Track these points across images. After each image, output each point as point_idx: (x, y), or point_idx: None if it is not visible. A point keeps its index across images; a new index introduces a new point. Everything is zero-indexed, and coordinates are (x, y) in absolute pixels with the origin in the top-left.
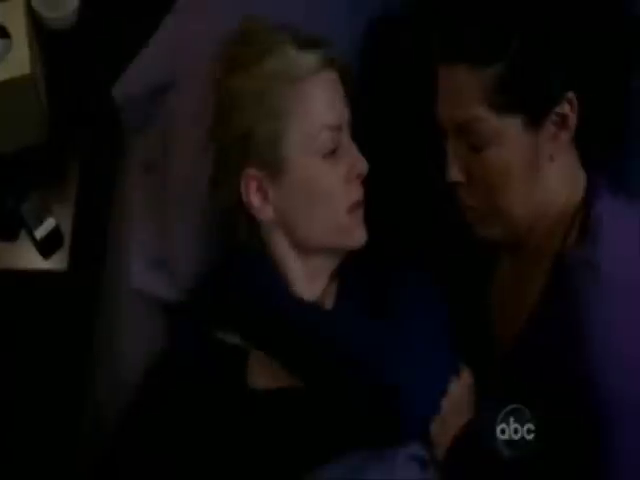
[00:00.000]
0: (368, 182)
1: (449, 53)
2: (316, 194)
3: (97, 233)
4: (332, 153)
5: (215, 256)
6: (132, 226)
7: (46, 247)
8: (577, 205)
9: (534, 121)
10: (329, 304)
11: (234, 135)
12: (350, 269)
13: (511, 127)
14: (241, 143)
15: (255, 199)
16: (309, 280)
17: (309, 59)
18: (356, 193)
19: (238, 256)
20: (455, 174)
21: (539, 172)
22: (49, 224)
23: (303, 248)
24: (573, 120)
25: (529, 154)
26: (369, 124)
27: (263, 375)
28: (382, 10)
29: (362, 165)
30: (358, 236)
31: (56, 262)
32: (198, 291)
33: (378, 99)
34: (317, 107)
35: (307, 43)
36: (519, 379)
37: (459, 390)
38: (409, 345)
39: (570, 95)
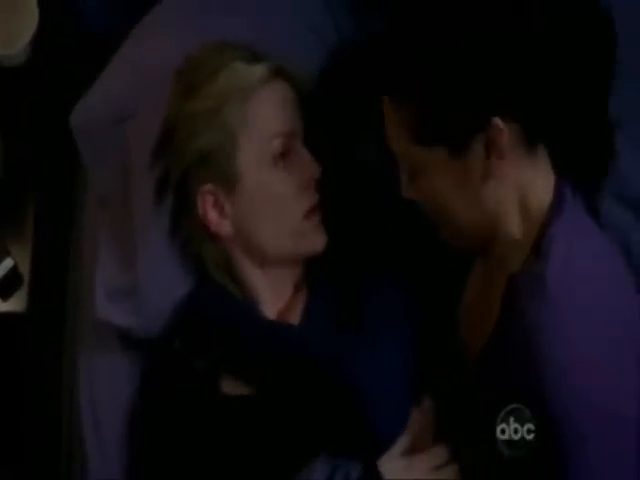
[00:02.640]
0: (335, 191)
1: (378, 87)
2: (271, 202)
3: (56, 272)
4: (283, 158)
5: (179, 284)
6: (95, 257)
7: (4, 288)
8: (539, 221)
9: (458, 150)
10: (296, 315)
11: (191, 159)
12: (318, 280)
13: (437, 157)
14: (199, 165)
15: (213, 214)
16: (273, 293)
17: (258, 71)
18: (311, 198)
19: (204, 286)
20: (405, 192)
21: (474, 191)
22: (7, 264)
23: (263, 260)
24: (504, 139)
25: (459, 178)
26: (333, 130)
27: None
28: (336, 33)
29: (314, 169)
30: (317, 241)
31: (15, 303)
32: (170, 323)
33: (339, 106)
34: (268, 117)
35: (255, 56)
36: (483, 393)
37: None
38: (380, 359)
39: (495, 121)
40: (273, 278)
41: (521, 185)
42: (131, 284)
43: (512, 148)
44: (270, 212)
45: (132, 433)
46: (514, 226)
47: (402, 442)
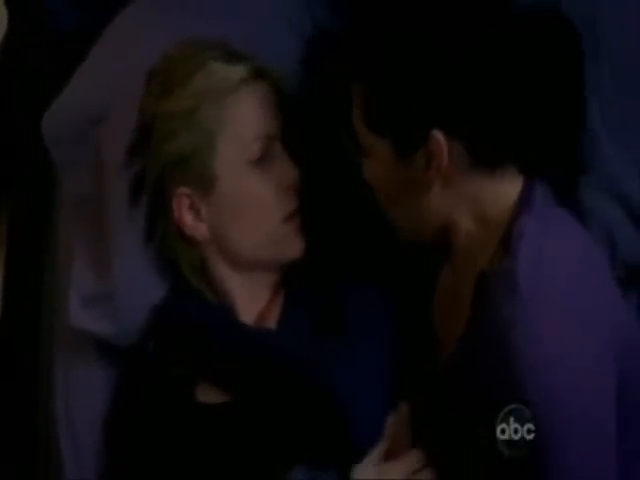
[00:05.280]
0: (311, 194)
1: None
2: (248, 206)
3: (31, 280)
4: (261, 161)
5: (155, 289)
6: (70, 263)
7: None
8: (505, 219)
9: (401, 150)
10: (273, 320)
11: (168, 161)
12: (296, 284)
13: (382, 147)
14: (175, 166)
15: (188, 217)
16: (250, 297)
17: (237, 71)
18: (290, 203)
19: (179, 290)
20: (364, 172)
21: (416, 198)
22: None
23: (240, 264)
24: (444, 154)
25: (400, 177)
26: (313, 134)
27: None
28: (312, 26)
29: (293, 174)
30: (295, 247)
31: None
32: (145, 328)
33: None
34: (247, 119)
35: (234, 56)
36: (454, 395)
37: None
38: (358, 360)
39: (435, 133)
40: (250, 283)
41: (476, 196)
42: (106, 290)
43: (457, 164)
44: (247, 216)
45: (107, 441)
46: (468, 231)
47: (379, 448)
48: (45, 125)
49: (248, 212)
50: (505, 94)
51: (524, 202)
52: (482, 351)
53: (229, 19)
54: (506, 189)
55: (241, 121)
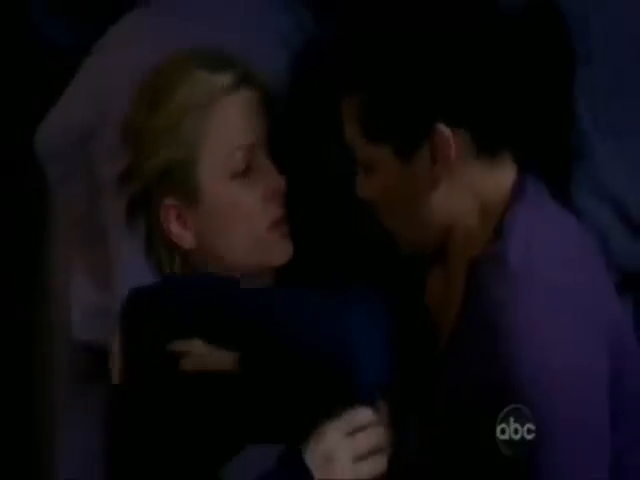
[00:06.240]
0: (301, 201)
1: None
2: (233, 215)
3: (23, 292)
4: (245, 173)
5: None
6: (71, 277)
7: None
8: (499, 210)
9: (404, 152)
10: None
11: (152, 174)
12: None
13: (382, 156)
14: (161, 179)
15: (174, 227)
16: None
17: (221, 80)
18: (275, 211)
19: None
20: (359, 190)
21: (419, 200)
22: None
23: (227, 272)
24: (450, 147)
25: (405, 183)
26: (302, 138)
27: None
28: (299, 32)
29: (278, 183)
30: (281, 254)
31: None
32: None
33: (308, 117)
34: (230, 128)
35: (220, 63)
36: (451, 386)
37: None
38: (360, 311)
39: (440, 127)
40: None
41: (477, 186)
42: (108, 301)
43: (463, 154)
44: (232, 225)
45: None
46: (468, 228)
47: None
48: (38, 141)
49: (233, 222)
50: (501, 78)
51: (518, 191)
52: (474, 335)
53: (223, 31)
54: (502, 179)
55: (223, 132)
